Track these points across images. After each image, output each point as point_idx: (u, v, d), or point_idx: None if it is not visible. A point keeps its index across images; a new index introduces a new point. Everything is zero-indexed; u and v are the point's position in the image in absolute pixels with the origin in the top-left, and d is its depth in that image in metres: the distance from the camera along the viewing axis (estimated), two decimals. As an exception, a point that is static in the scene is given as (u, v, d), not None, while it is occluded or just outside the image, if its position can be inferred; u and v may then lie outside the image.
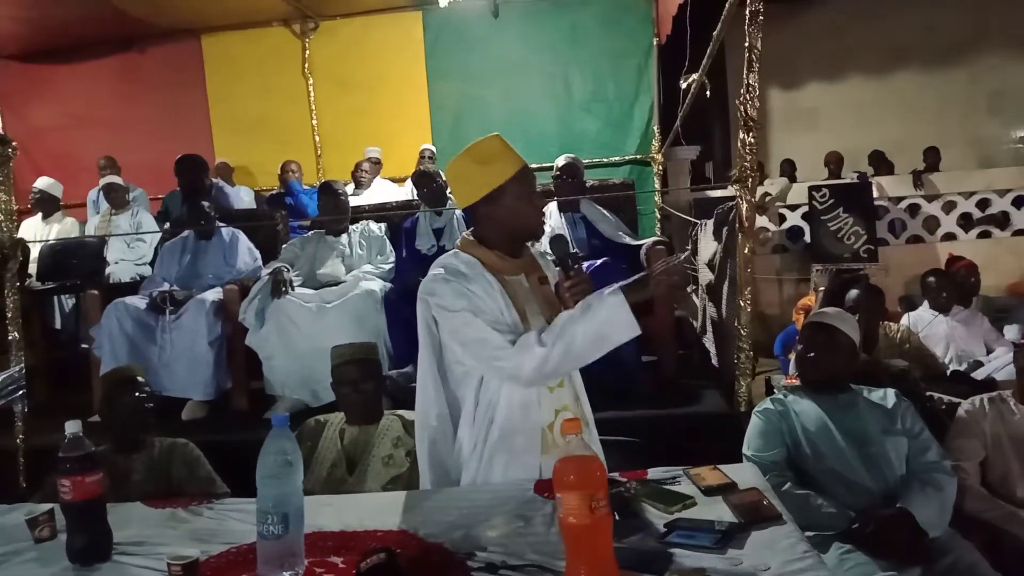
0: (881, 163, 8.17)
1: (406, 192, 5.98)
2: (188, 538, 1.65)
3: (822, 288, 5.33)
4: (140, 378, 2.62)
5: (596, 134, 6.35)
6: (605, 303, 1.73)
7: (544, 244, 2.11)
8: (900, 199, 7.24)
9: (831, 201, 6.35)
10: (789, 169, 8.29)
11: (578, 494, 1.21)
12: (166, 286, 4.13)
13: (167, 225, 5.26)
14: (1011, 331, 4.36)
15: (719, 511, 1.58)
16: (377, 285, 3.98)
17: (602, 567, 1.24)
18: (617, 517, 1.30)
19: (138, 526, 1.74)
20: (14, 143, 3.57)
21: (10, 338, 3.51)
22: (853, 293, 3.98)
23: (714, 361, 3.91)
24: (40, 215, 5.89)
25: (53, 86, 6.78)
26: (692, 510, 1.59)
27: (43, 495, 2.23)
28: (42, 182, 5.91)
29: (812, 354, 2.41)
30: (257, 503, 1.43)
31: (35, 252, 5.41)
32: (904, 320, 4.36)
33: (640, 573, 1.31)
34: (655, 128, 6.22)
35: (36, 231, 5.77)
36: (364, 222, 4.42)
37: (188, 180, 4.97)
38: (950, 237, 7.17)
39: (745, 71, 2.98)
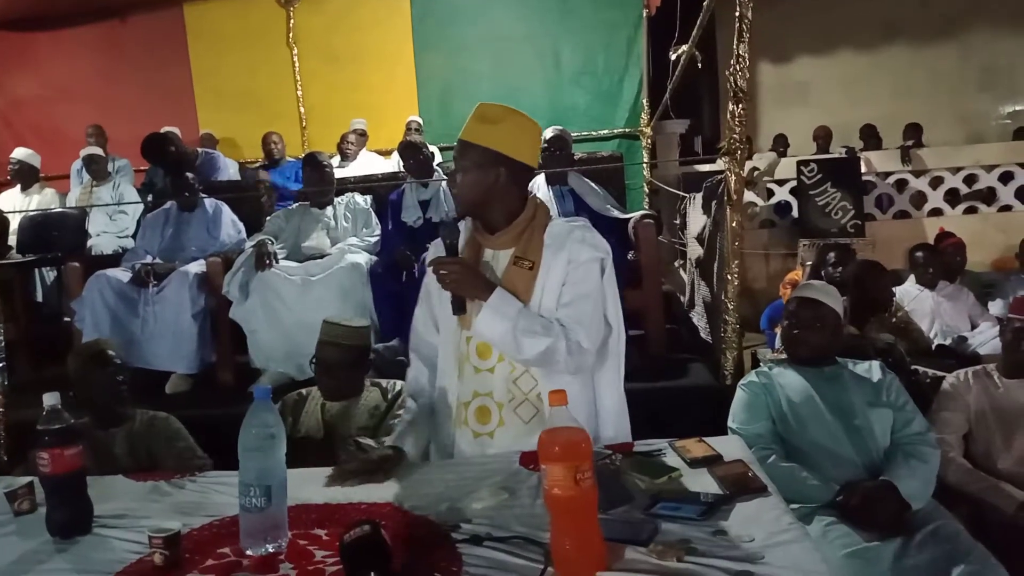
0: (871, 137, 8.17)
1: (392, 164, 5.93)
2: (170, 511, 1.64)
3: (809, 263, 5.34)
4: (111, 352, 2.57)
5: (585, 107, 6.29)
6: None
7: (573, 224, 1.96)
8: (888, 174, 7.25)
9: (819, 176, 6.35)
10: (781, 144, 8.27)
11: (563, 466, 1.20)
12: (148, 258, 4.08)
13: (150, 197, 5.20)
14: (996, 306, 4.40)
15: (704, 483, 1.58)
16: (363, 258, 3.95)
17: (587, 538, 1.24)
18: (602, 489, 1.29)
19: (120, 499, 1.73)
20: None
21: (-10, 311, 3.46)
22: (848, 268, 3.98)
23: (703, 335, 3.92)
24: (19, 186, 5.80)
25: (33, 55, 6.64)
26: (677, 482, 1.59)
27: (25, 469, 2.22)
28: (20, 152, 5.80)
29: (799, 331, 2.40)
30: (239, 476, 1.42)
31: (15, 224, 5.34)
32: (891, 294, 4.37)
33: (625, 544, 1.30)
34: (644, 101, 6.17)
35: (15, 203, 5.68)
36: (350, 194, 4.37)
37: (156, 159, 5.01)
38: (937, 212, 7.19)
39: (735, 42, 2.95)
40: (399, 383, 2.57)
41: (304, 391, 2.63)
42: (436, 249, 2.00)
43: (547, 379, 1.83)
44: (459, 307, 1.83)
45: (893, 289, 4.43)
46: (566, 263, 1.82)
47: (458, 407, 1.94)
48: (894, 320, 3.96)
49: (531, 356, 1.77)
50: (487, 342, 1.86)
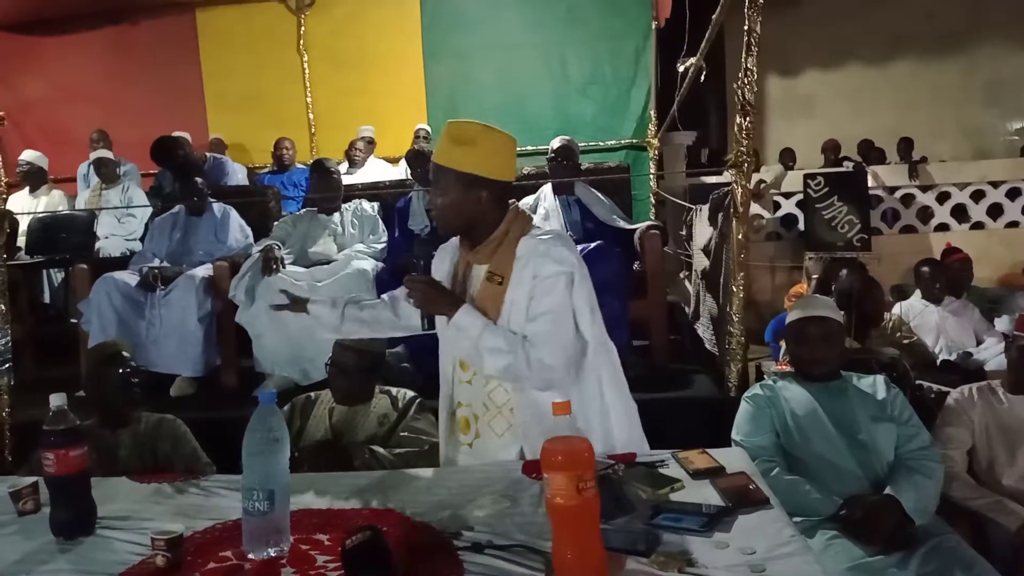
0: (870, 151, 8.17)
1: (400, 172, 5.94)
2: (173, 513, 1.64)
3: (815, 276, 5.34)
4: (126, 353, 2.60)
5: (592, 117, 6.29)
6: None
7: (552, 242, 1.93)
8: (894, 189, 7.24)
9: (826, 189, 6.35)
10: (788, 158, 8.27)
11: (565, 475, 1.20)
12: (156, 262, 4.10)
13: (159, 203, 5.23)
14: (1002, 323, 4.40)
15: (707, 495, 1.57)
16: (369, 264, 3.96)
17: (588, 548, 1.24)
18: (604, 499, 1.29)
19: (123, 501, 1.73)
20: (1, 114, 3.52)
21: (-3, 311, 3.48)
22: (846, 283, 3.98)
23: (708, 347, 3.91)
24: (28, 188, 5.84)
25: (43, 58, 6.67)
26: (680, 493, 1.59)
27: (29, 469, 2.22)
28: (29, 154, 5.85)
29: (812, 350, 2.37)
30: (243, 479, 1.42)
31: (24, 225, 5.37)
32: (896, 309, 4.37)
33: (626, 554, 1.30)
34: (652, 112, 6.17)
35: (24, 204, 5.71)
36: (357, 201, 4.39)
37: (165, 162, 5.06)
38: (943, 228, 7.18)
39: (743, 55, 2.97)
40: (409, 392, 2.58)
41: (313, 394, 2.64)
42: (441, 255, 2.05)
43: (519, 394, 1.85)
44: (428, 324, 1.91)
45: (899, 304, 4.45)
46: (532, 278, 1.81)
47: (449, 416, 1.99)
48: (899, 334, 3.96)
49: (494, 372, 1.81)
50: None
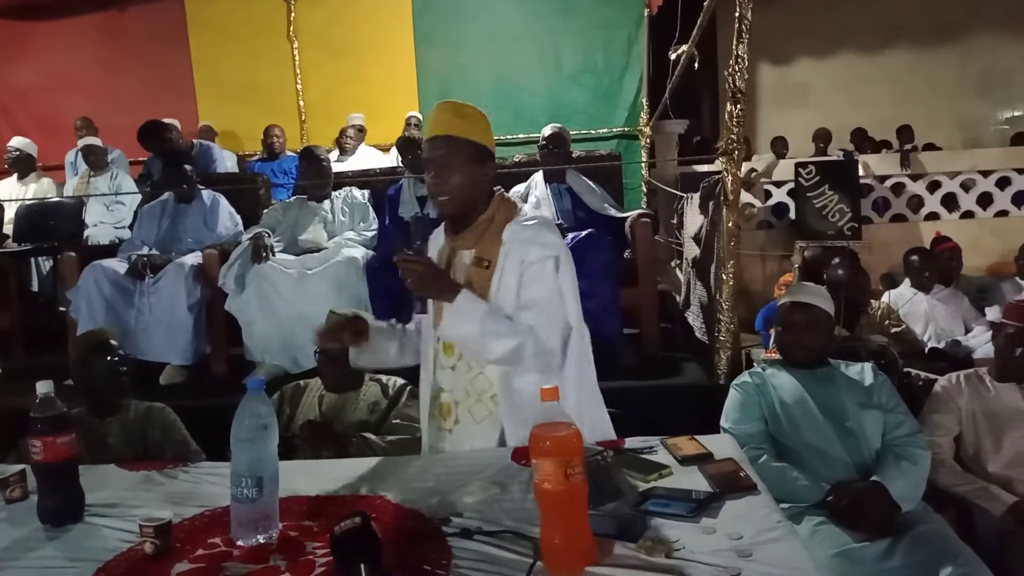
0: (863, 140, 8.16)
1: (391, 159, 5.92)
2: (162, 500, 1.64)
3: (796, 265, 5.36)
4: (114, 341, 2.60)
5: (585, 106, 6.28)
6: None
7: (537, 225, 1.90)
8: (885, 178, 7.25)
9: (817, 178, 6.34)
10: (781, 147, 8.28)
11: (553, 460, 1.21)
12: (145, 249, 4.08)
13: (148, 190, 5.20)
14: (993, 312, 4.41)
15: (695, 481, 1.58)
16: (359, 252, 3.95)
17: (576, 533, 1.24)
18: (592, 485, 1.30)
19: (112, 488, 1.73)
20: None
21: (-15, 299, 3.46)
22: (834, 271, 3.99)
23: (699, 335, 3.92)
24: (16, 175, 5.80)
25: (33, 44, 6.61)
26: (668, 479, 1.60)
27: (18, 457, 2.22)
28: (18, 141, 5.80)
29: (795, 336, 2.39)
30: (231, 466, 1.42)
31: (11, 212, 5.33)
32: (885, 298, 4.38)
33: (614, 540, 1.31)
34: (644, 100, 6.17)
35: (11, 191, 5.67)
36: (347, 188, 4.37)
37: (153, 145, 5.05)
38: (934, 216, 7.20)
39: (734, 42, 2.96)
40: (399, 380, 2.58)
41: (303, 382, 2.65)
42: (433, 241, 2.01)
43: (504, 383, 1.84)
44: (421, 307, 1.88)
45: (888, 292, 4.46)
46: (519, 263, 1.81)
47: (429, 400, 1.98)
48: (887, 323, 3.97)
49: (498, 356, 1.79)
50: (452, 342, 1.89)
